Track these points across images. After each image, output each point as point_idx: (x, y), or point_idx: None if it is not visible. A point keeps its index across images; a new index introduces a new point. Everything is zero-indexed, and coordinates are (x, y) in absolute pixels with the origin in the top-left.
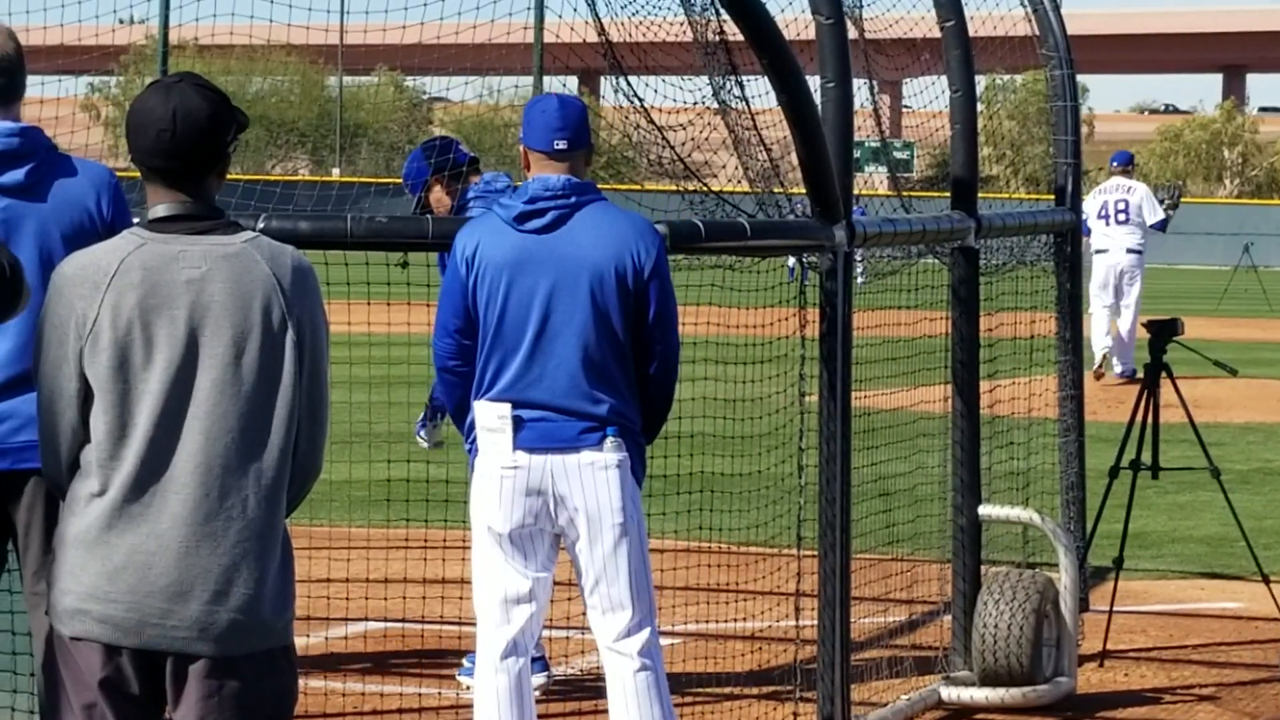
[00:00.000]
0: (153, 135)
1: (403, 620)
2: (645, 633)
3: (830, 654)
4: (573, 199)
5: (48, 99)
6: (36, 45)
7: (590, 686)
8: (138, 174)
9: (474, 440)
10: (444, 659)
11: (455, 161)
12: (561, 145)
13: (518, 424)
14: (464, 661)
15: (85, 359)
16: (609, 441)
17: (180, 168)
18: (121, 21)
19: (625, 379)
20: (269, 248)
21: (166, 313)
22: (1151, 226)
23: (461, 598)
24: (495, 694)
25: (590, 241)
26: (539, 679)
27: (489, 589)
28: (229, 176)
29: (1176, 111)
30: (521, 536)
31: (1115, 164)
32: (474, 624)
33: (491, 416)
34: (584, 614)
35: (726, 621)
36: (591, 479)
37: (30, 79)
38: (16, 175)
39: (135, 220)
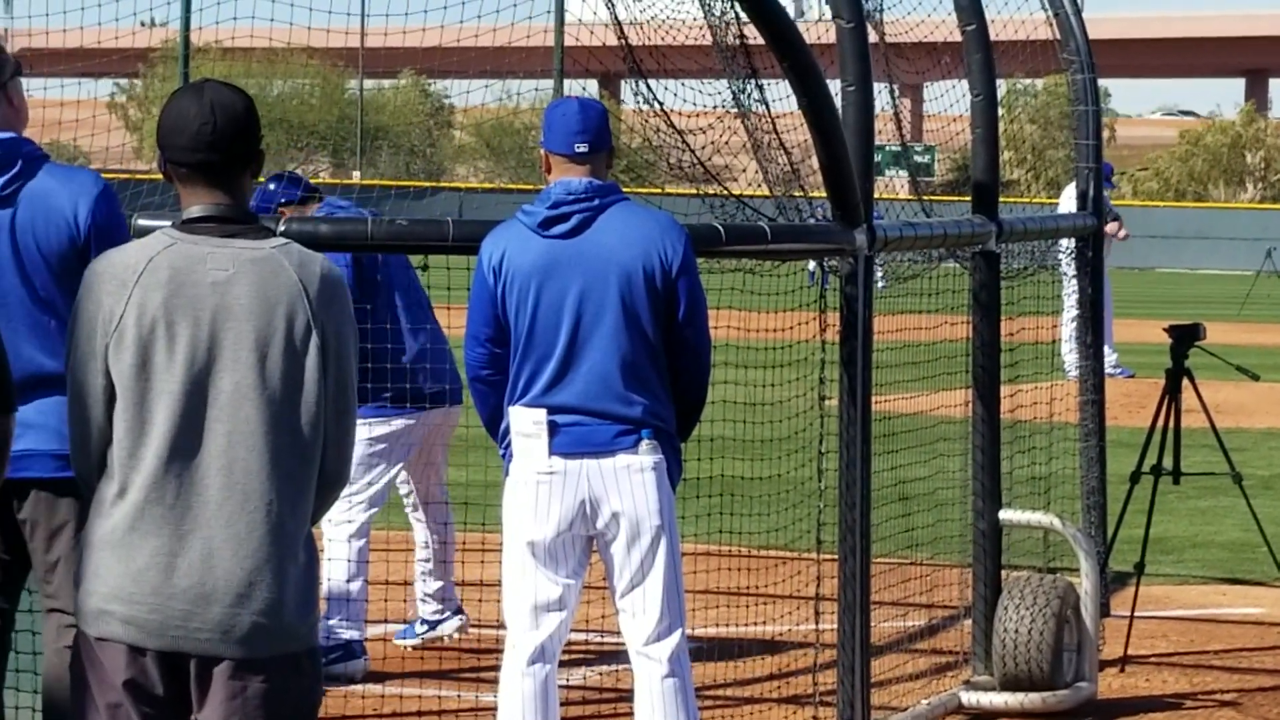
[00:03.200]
0: (193, 130)
1: (415, 620)
2: (675, 638)
3: (850, 658)
4: (596, 201)
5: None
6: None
7: (611, 690)
8: (160, 178)
9: (508, 446)
10: (465, 661)
11: (297, 193)
12: (582, 148)
13: (553, 429)
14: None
15: (110, 356)
16: (644, 444)
17: (221, 161)
18: (143, 24)
19: (658, 379)
20: (298, 254)
21: (190, 313)
22: None
23: (481, 599)
24: (521, 698)
25: (616, 242)
26: (459, 620)
27: (520, 595)
28: None
29: (1194, 117)
30: (555, 543)
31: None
32: (494, 626)
33: (526, 422)
34: (603, 617)
35: (746, 625)
36: (628, 482)
37: (51, 81)
38: None
39: (158, 224)
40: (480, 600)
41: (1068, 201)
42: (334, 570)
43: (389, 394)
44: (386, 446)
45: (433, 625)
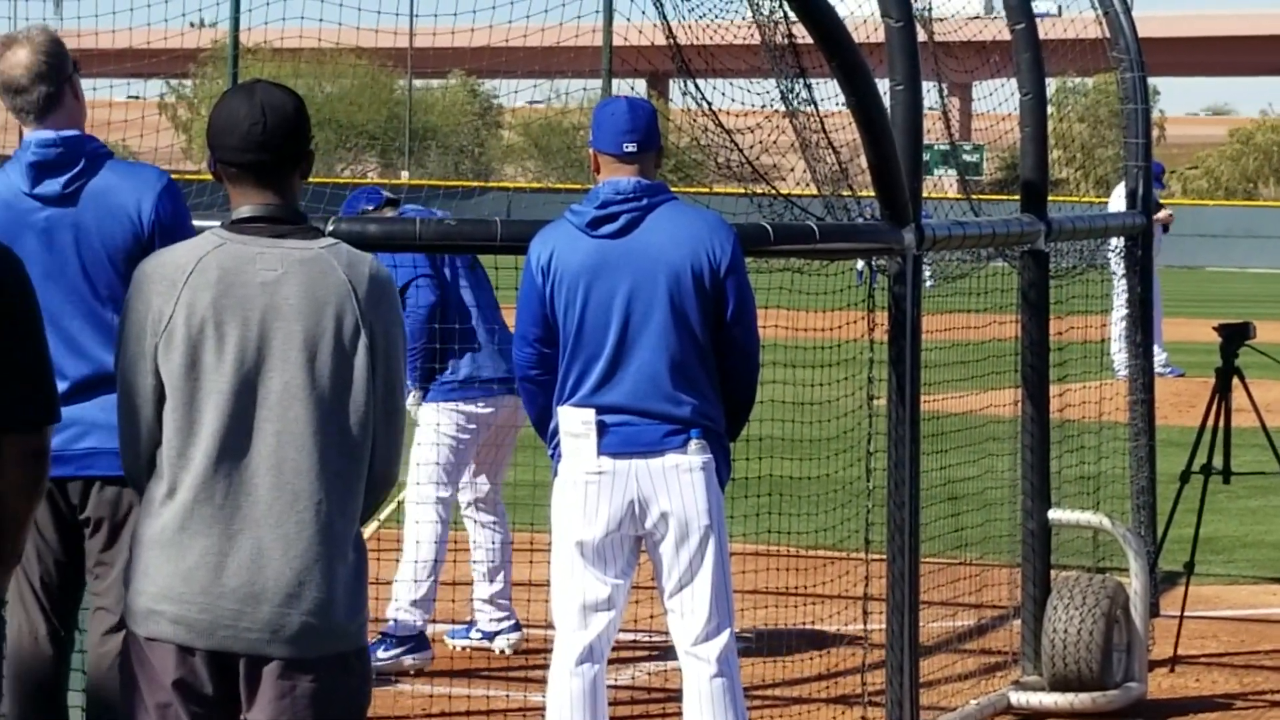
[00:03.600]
0: (244, 129)
1: (470, 622)
2: (724, 637)
3: (898, 658)
4: (644, 200)
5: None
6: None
7: (660, 689)
8: (209, 178)
9: (557, 446)
10: (514, 661)
11: (381, 196)
12: (631, 148)
13: (601, 429)
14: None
15: (160, 356)
16: (693, 444)
17: (271, 161)
18: (192, 25)
19: (707, 378)
20: (347, 255)
21: (239, 313)
22: None
23: (529, 600)
24: (569, 698)
25: (665, 242)
26: (514, 636)
27: (568, 595)
28: None
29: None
30: (604, 543)
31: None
32: (542, 626)
33: (575, 422)
34: (651, 617)
35: (794, 625)
36: (677, 482)
37: (100, 82)
38: (54, 185)
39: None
40: (529, 600)
41: (1118, 200)
42: (420, 552)
43: (474, 379)
44: (475, 429)
45: (489, 636)
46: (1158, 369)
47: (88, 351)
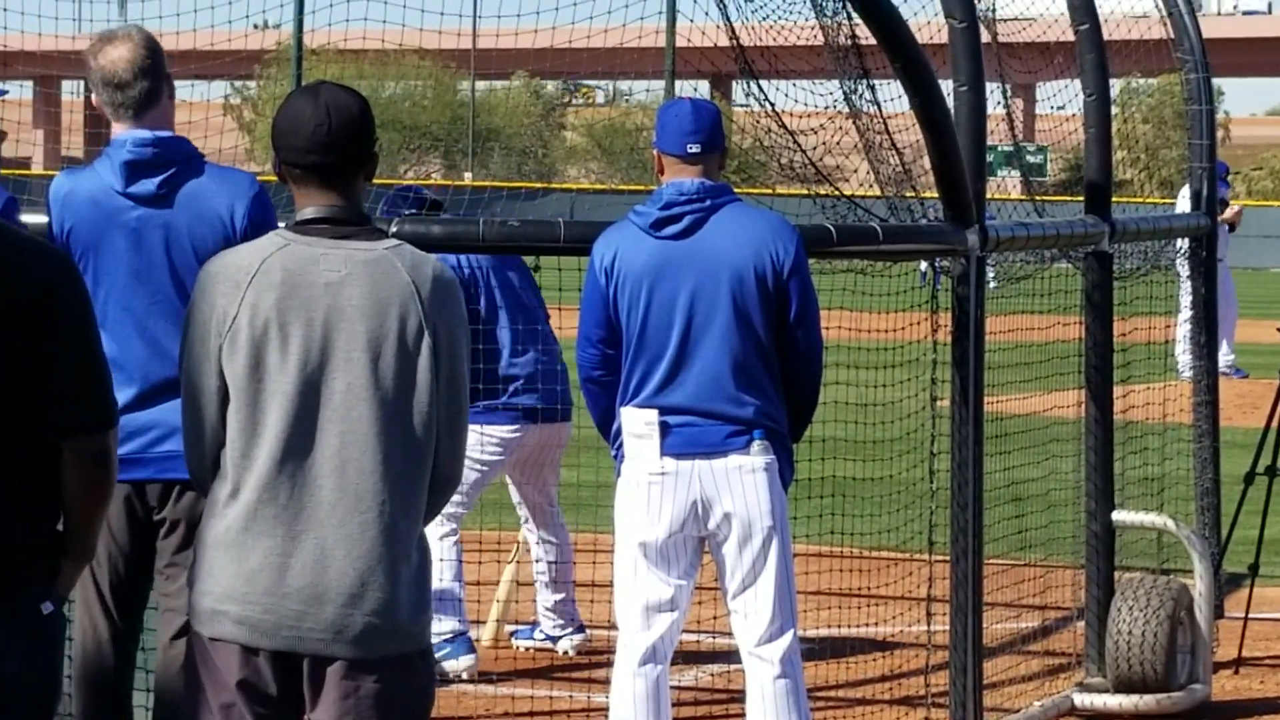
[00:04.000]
0: (309, 131)
1: (535, 623)
2: (787, 638)
3: (962, 659)
4: (708, 202)
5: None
6: (170, 50)
7: (723, 690)
8: (272, 180)
9: (620, 447)
10: (577, 661)
11: (417, 202)
12: (694, 149)
13: (664, 430)
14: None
15: (224, 357)
16: (756, 444)
17: (336, 162)
18: (256, 26)
19: (770, 380)
20: (411, 256)
21: (303, 314)
22: None
23: (592, 600)
24: (632, 699)
25: (728, 244)
26: (578, 639)
27: (632, 595)
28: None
29: None
30: (667, 544)
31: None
32: (605, 627)
33: (638, 423)
34: (715, 618)
35: (858, 626)
36: (740, 482)
37: None
38: (149, 185)
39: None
40: (591, 601)
41: (1184, 202)
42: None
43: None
44: (501, 451)
45: (554, 639)
46: (1222, 369)
47: (171, 354)
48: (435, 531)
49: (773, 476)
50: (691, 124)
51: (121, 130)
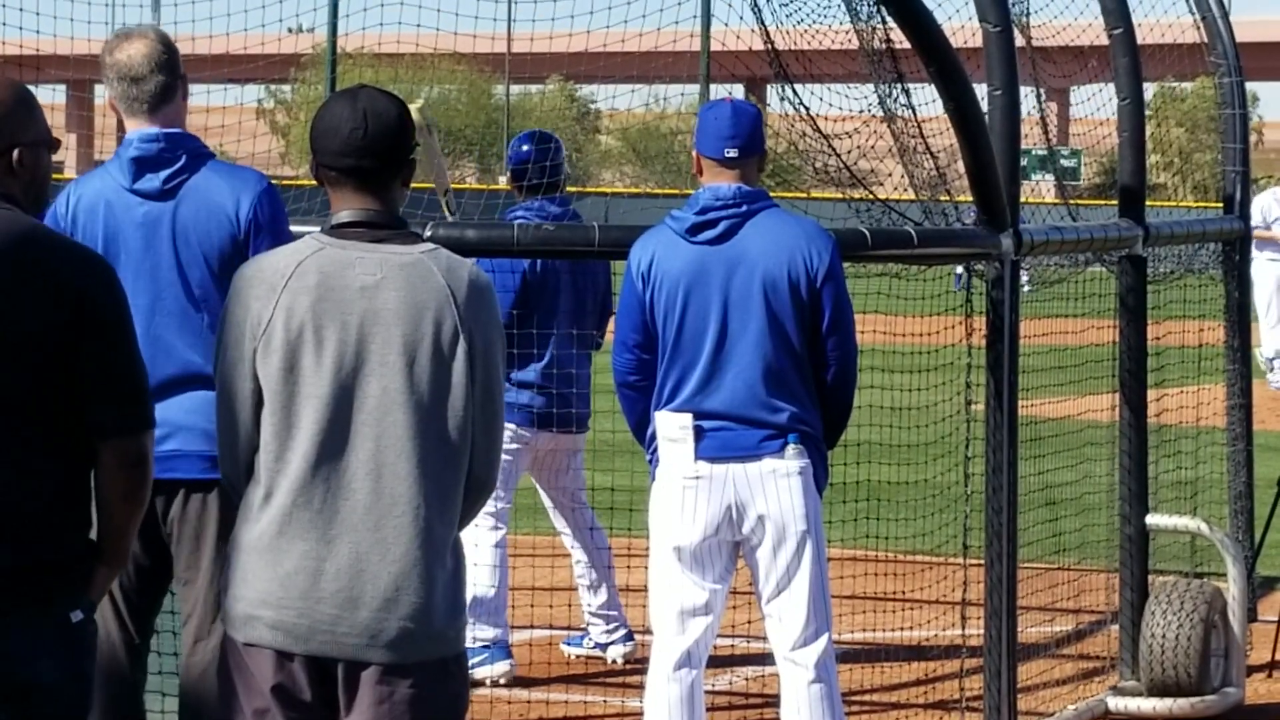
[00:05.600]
0: (345, 134)
1: (585, 630)
2: (822, 642)
3: (996, 663)
4: (744, 207)
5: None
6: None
7: (758, 695)
8: (312, 183)
9: (655, 451)
10: (612, 666)
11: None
12: (732, 153)
13: (699, 434)
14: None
15: (258, 360)
16: (790, 449)
17: (373, 166)
18: (290, 30)
19: (804, 385)
20: (446, 260)
21: (338, 318)
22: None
23: (627, 604)
24: (667, 703)
25: (762, 249)
26: (628, 647)
27: (666, 600)
28: None
29: None
30: (701, 548)
31: None
32: (639, 631)
33: (673, 427)
34: (749, 622)
35: (892, 630)
36: (774, 486)
37: (197, 87)
38: (155, 181)
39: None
40: (625, 605)
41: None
42: (473, 574)
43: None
44: (519, 447)
45: (603, 648)
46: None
47: (175, 351)
48: (487, 537)
49: (807, 481)
50: (730, 128)
51: (134, 128)
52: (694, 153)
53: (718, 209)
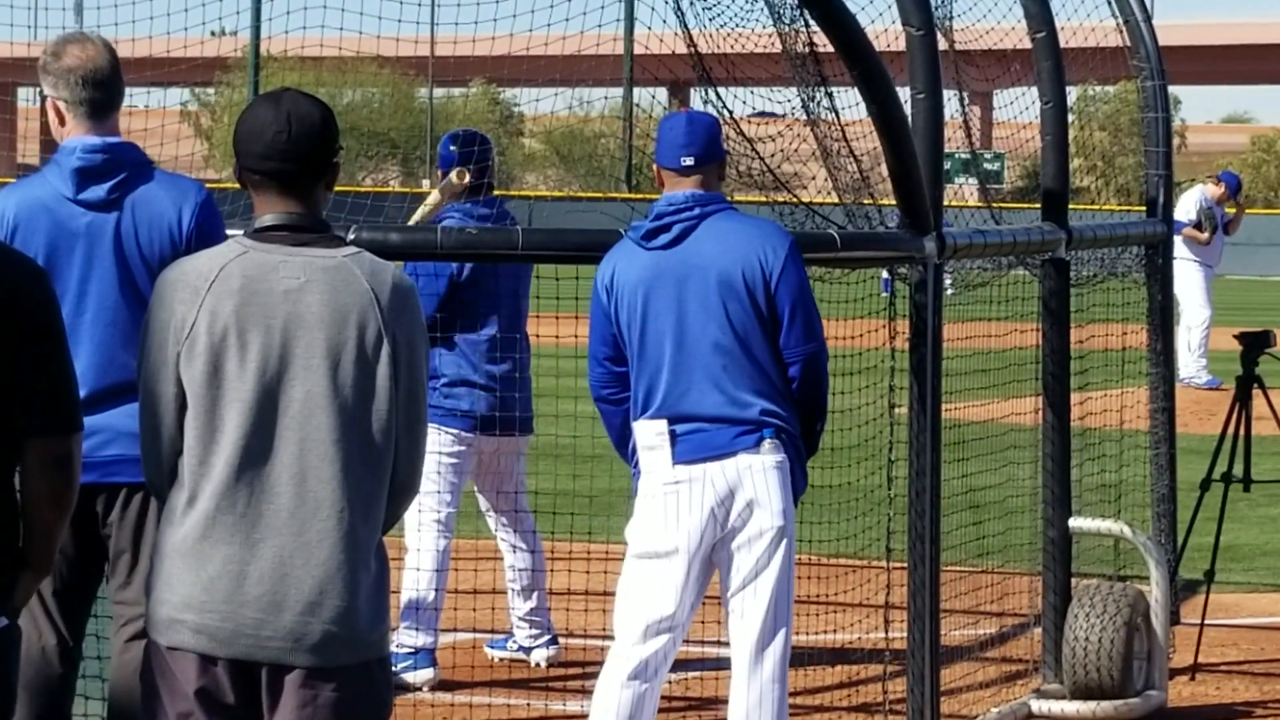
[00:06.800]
0: (268, 138)
1: (509, 634)
2: (778, 642)
3: (920, 666)
4: (696, 210)
5: (136, 111)
6: (126, 57)
7: (696, 698)
8: (236, 186)
9: (638, 464)
10: (536, 671)
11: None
12: (688, 161)
13: (674, 439)
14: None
15: (182, 364)
16: (767, 443)
17: (295, 170)
18: (213, 34)
19: (774, 384)
20: (370, 263)
21: (262, 321)
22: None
23: (568, 610)
24: (615, 710)
25: (717, 250)
26: (552, 650)
27: (634, 608)
28: None
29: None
30: (679, 560)
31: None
32: (581, 636)
33: (650, 435)
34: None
35: (816, 633)
36: (750, 480)
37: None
38: (99, 191)
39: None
40: (567, 610)
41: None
42: (414, 579)
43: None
44: (464, 449)
45: (526, 650)
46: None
47: (117, 359)
48: (432, 544)
49: (784, 476)
50: (685, 136)
51: (74, 135)
52: (655, 167)
53: (671, 214)
